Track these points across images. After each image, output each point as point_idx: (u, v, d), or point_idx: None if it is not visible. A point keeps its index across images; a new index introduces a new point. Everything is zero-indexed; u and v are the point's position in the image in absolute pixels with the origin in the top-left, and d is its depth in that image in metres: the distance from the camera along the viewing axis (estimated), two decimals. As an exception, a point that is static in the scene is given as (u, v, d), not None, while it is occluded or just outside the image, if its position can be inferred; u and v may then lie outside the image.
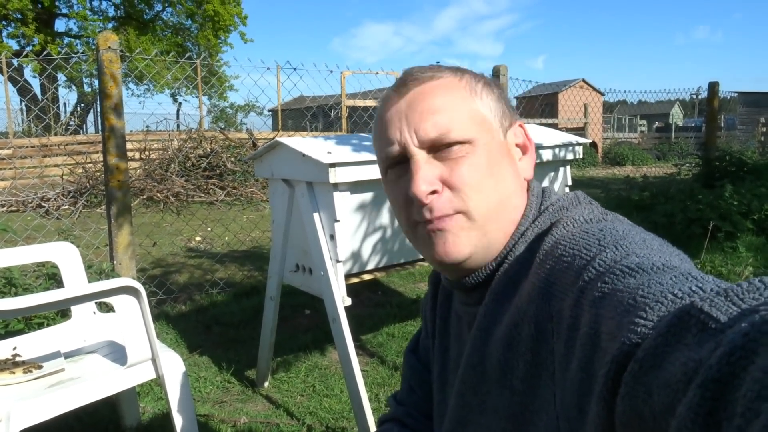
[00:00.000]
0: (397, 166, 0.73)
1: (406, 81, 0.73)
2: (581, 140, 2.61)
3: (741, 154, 6.88)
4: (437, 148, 0.70)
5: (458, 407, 0.74)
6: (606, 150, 18.54)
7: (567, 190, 2.60)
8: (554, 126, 11.11)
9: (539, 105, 13.41)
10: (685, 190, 5.59)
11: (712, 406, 0.32)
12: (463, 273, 0.73)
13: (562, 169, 2.64)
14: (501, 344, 0.65)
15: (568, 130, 14.81)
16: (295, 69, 4.67)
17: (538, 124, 6.13)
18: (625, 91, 12.65)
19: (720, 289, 0.41)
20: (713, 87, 6.25)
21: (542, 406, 0.59)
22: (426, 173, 0.69)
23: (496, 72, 4.29)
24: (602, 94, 21.09)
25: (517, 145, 0.77)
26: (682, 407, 0.34)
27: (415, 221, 0.72)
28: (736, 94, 21.51)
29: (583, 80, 22.10)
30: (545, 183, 2.62)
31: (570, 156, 2.57)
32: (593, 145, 17.58)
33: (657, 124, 35.03)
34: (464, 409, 0.73)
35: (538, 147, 2.46)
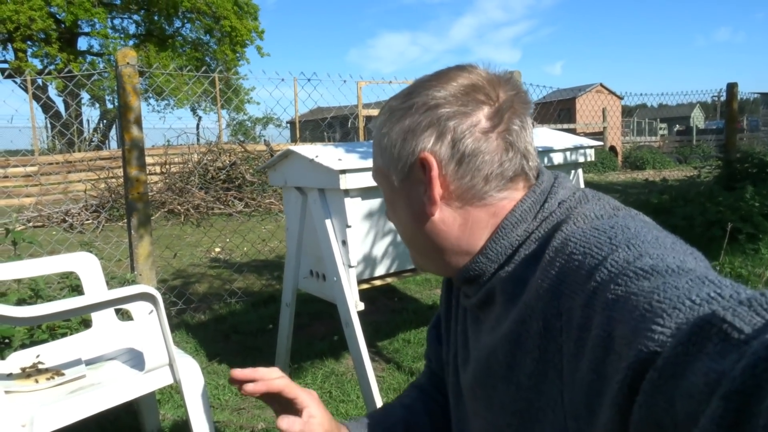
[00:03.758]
0: None
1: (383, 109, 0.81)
2: (592, 143, 2.61)
3: (763, 155, 6.77)
4: None
5: (470, 401, 0.76)
6: (626, 154, 18.35)
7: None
8: (572, 131, 11.04)
9: (554, 110, 13.35)
10: (705, 193, 5.51)
11: (735, 418, 0.32)
12: (464, 280, 0.74)
13: (573, 172, 2.64)
14: (508, 340, 0.65)
15: (586, 134, 14.69)
16: (309, 80, 4.74)
17: (554, 128, 6.09)
18: (643, 95, 12.54)
19: (742, 298, 0.40)
20: (732, 88, 6.19)
21: (548, 404, 0.59)
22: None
23: (509, 78, 4.30)
24: (621, 98, 20.90)
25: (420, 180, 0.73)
26: (704, 419, 0.34)
27: None
28: (759, 95, 21.17)
29: (601, 84, 21.92)
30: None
31: (581, 159, 2.57)
32: (613, 149, 17.42)
33: (678, 127, 34.59)
34: (475, 403, 0.74)
35: (548, 151, 2.46)
